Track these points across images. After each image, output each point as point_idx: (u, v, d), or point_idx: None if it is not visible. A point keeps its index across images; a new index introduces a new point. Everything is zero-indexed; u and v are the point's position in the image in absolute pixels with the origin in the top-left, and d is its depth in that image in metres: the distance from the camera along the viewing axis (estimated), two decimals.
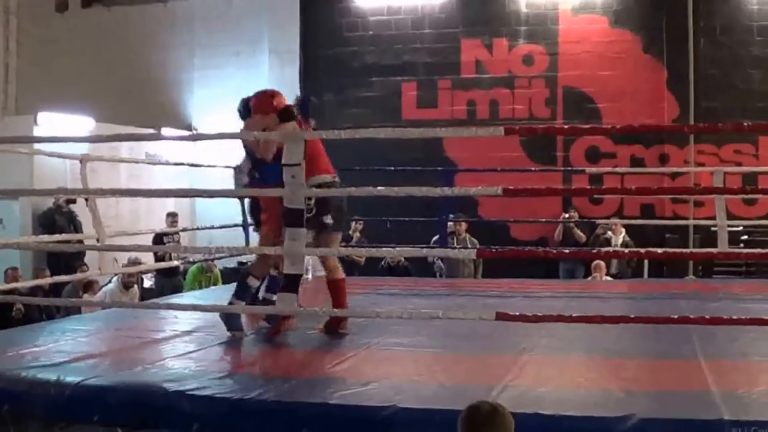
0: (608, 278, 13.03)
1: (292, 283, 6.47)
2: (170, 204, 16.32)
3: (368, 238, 13.85)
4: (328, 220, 6.96)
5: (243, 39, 17.93)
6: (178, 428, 5.53)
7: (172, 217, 15.20)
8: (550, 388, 5.53)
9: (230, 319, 7.17)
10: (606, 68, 15.99)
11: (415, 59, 16.92)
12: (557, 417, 4.89)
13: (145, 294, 13.44)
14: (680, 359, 6.29)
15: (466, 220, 13.98)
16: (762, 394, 5.30)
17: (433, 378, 6.00)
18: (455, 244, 12.83)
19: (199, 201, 16.15)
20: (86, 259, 12.81)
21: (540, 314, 6.26)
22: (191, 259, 13.05)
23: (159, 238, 14.30)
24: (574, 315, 6.20)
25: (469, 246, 12.96)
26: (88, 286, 11.71)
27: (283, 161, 6.26)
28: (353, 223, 14.04)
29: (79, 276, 10.62)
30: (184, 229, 14.54)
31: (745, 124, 6.51)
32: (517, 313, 6.17)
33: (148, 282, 14.41)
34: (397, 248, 6.88)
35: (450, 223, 13.56)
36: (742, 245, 13.40)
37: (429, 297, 8.29)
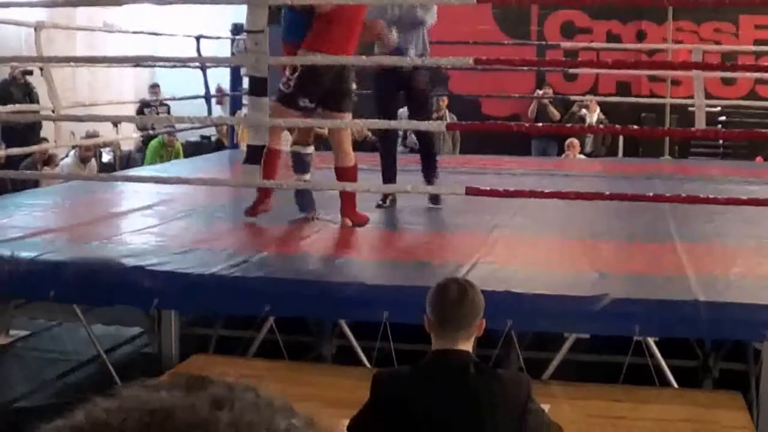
0: (582, 157, 12.89)
1: (254, 155, 6.24)
2: (129, 75, 15.93)
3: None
4: (305, 103, 6.34)
5: None
6: (137, 304, 5.42)
7: (154, 87, 14.93)
8: (522, 267, 5.45)
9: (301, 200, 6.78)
10: None
11: None
12: (528, 295, 4.79)
13: (104, 168, 13.16)
14: (655, 241, 6.19)
15: (443, 94, 13.74)
16: (737, 277, 5.24)
17: (401, 255, 5.88)
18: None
19: (159, 72, 15.74)
20: (42, 134, 12.48)
21: (511, 189, 6.09)
22: (151, 132, 12.74)
23: (141, 109, 14.03)
24: (546, 191, 6.03)
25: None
26: (49, 160, 11.42)
27: (246, 27, 6.00)
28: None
29: (34, 148, 10.33)
30: (168, 99, 14.14)
31: None
32: (487, 188, 5.99)
33: (107, 156, 14.12)
34: (363, 120, 6.67)
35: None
36: (720, 126, 13.21)
37: (398, 173, 8.05)
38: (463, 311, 3.14)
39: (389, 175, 7.27)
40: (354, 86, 6.51)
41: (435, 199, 7.20)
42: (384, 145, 7.44)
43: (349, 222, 6.52)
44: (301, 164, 6.77)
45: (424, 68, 6.96)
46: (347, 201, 6.53)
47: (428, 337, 3.18)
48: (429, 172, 7.32)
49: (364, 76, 7.86)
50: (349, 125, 6.47)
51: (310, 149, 6.82)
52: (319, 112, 6.47)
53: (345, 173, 6.53)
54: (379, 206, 7.08)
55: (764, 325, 4.54)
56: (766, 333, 4.54)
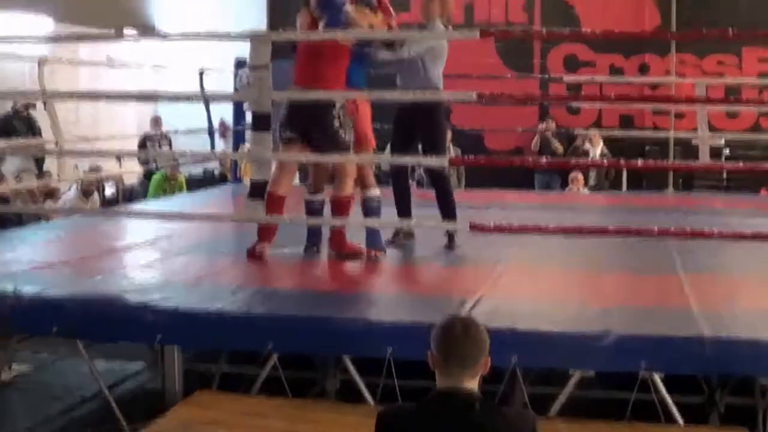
0: (585, 191, 12.87)
1: (257, 190, 6.24)
2: (132, 107, 15.94)
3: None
4: (286, 133, 6.36)
5: None
6: (140, 340, 5.39)
7: (156, 121, 14.91)
8: (526, 302, 5.41)
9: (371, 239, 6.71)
10: None
11: None
12: (533, 332, 4.76)
13: (107, 201, 13.17)
14: (660, 274, 6.17)
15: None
16: (742, 312, 5.20)
17: (405, 290, 5.86)
18: None
19: (162, 106, 15.75)
20: (45, 166, 12.49)
21: (516, 225, 6.07)
22: (155, 166, 12.77)
23: (143, 142, 14.04)
24: (551, 226, 6.01)
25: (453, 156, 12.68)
26: (51, 193, 11.42)
27: (249, 62, 6.01)
28: None
29: (37, 183, 10.34)
30: (171, 132, 14.15)
31: (731, 31, 6.20)
32: (492, 224, 5.97)
33: (109, 189, 14.13)
34: (366, 155, 6.66)
35: None
36: (723, 159, 13.17)
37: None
38: (467, 350, 3.12)
39: (403, 210, 7.13)
40: (337, 124, 6.36)
41: (450, 241, 7.03)
42: (396, 180, 7.32)
43: (335, 253, 6.52)
44: (311, 211, 6.81)
45: (433, 105, 6.86)
46: (334, 233, 6.54)
47: (433, 373, 3.15)
48: (444, 211, 7.02)
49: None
50: (350, 161, 6.44)
51: (320, 196, 6.83)
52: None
53: (338, 204, 6.53)
54: (389, 243, 6.98)
55: None
56: None
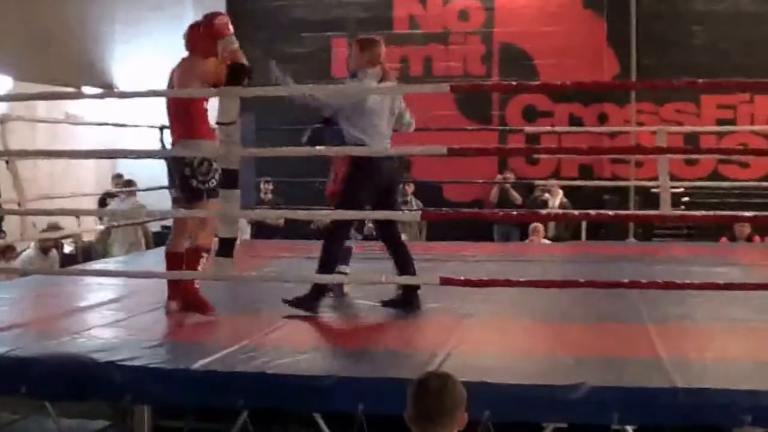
0: (545, 241, 12.91)
1: (227, 247, 6.21)
2: (90, 165, 15.84)
3: (283, 198, 13.70)
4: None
5: None
6: (109, 399, 5.33)
7: (118, 178, 14.77)
8: (495, 355, 5.40)
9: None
10: (544, 24, 15.70)
11: (346, 14, 16.47)
12: (504, 386, 4.74)
13: (66, 259, 13.04)
14: (626, 324, 6.20)
15: (408, 181, 13.81)
16: (713, 361, 5.23)
17: (374, 345, 5.83)
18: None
19: (121, 162, 15.65)
20: (5, 224, 12.35)
21: (485, 278, 6.09)
22: (115, 224, 12.68)
23: (104, 200, 13.93)
24: (519, 279, 6.02)
25: (414, 208, 12.74)
26: (7, 251, 11.26)
27: (218, 119, 6.01)
28: (262, 184, 13.84)
29: None
30: (131, 190, 14.06)
31: (700, 81, 6.28)
32: (461, 278, 5.98)
33: (68, 247, 14.01)
34: (332, 211, 6.67)
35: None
36: (683, 207, 13.26)
37: (363, 261, 7.96)
38: (444, 406, 3.13)
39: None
40: (188, 172, 6.39)
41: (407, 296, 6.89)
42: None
43: (174, 306, 6.50)
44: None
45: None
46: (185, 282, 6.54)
47: (405, 428, 3.14)
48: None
49: None
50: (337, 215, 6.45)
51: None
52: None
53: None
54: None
55: (742, 411, 4.52)
56: (744, 418, 4.53)
